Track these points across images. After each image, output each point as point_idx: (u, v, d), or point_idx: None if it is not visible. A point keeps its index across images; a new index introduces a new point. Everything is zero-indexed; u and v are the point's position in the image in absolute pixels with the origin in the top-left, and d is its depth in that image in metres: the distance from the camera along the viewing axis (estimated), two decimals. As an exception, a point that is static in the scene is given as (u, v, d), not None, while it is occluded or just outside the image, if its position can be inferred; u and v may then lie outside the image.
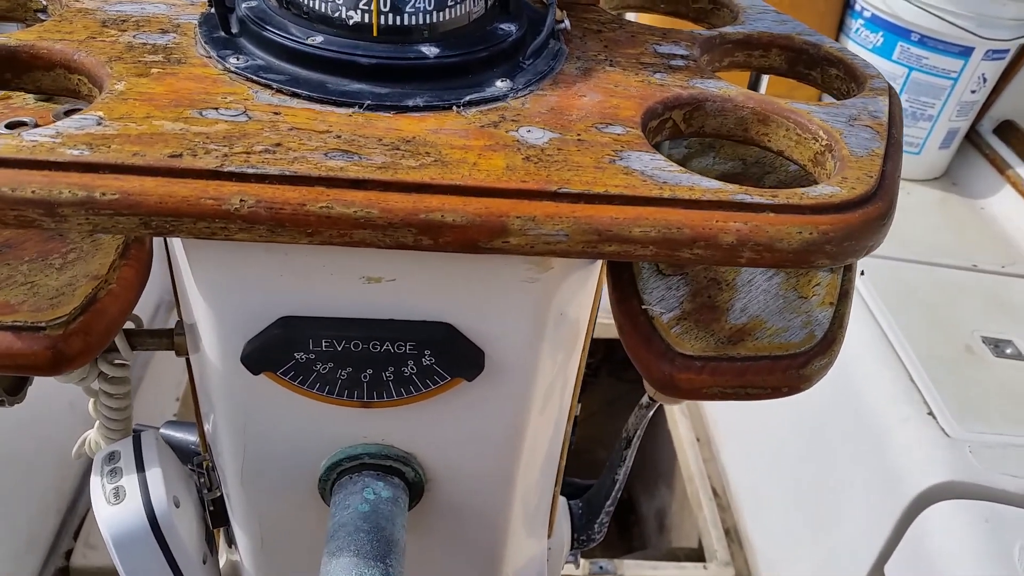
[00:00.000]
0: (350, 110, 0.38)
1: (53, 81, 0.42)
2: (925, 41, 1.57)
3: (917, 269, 1.47)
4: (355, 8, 0.39)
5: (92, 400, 0.60)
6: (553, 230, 0.35)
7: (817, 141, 0.41)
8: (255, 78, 0.39)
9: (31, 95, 0.49)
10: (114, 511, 0.54)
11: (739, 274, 0.47)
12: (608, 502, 0.78)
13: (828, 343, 0.43)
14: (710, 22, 0.55)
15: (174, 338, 0.56)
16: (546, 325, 0.44)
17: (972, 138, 1.80)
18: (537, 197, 0.35)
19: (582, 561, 1.47)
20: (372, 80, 0.39)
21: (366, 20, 0.39)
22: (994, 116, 1.79)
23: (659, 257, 0.36)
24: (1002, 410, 1.19)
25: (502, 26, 0.43)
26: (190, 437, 0.71)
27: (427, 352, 0.43)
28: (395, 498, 0.47)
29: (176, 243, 0.44)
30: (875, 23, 1.62)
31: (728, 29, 0.50)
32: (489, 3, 0.43)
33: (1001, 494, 1.07)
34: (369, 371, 0.43)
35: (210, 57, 0.41)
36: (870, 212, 0.36)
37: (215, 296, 0.42)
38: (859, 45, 1.66)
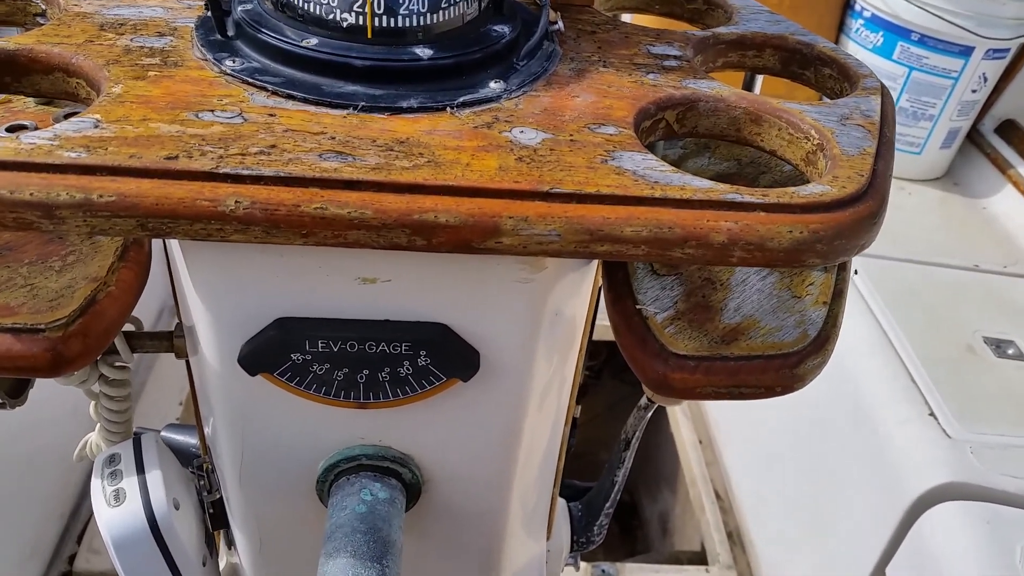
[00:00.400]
0: (344, 111, 0.39)
1: (52, 84, 0.42)
2: (925, 41, 1.57)
3: (918, 269, 1.46)
4: (349, 10, 0.40)
5: (93, 403, 0.61)
6: (545, 230, 0.35)
7: (809, 140, 0.41)
8: (251, 80, 0.40)
9: (31, 99, 0.50)
10: (114, 513, 0.55)
11: (733, 274, 0.47)
12: (607, 504, 0.78)
13: (821, 342, 0.43)
14: (705, 23, 0.55)
15: (174, 340, 0.56)
16: (541, 325, 0.45)
17: (973, 138, 1.80)
18: (529, 197, 0.35)
19: (584, 564, 1.47)
20: (366, 82, 0.40)
21: (360, 22, 0.40)
22: (995, 115, 1.79)
23: (651, 257, 0.36)
24: (1004, 411, 1.19)
25: (496, 27, 0.43)
26: (190, 440, 0.72)
27: (423, 352, 0.43)
28: (392, 499, 0.47)
29: (174, 245, 0.44)
30: (875, 23, 1.62)
31: (722, 29, 0.50)
32: (483, 5, 0.43)
33: (1003, 495, 1.07)
34: (365, 372, 0.44)
35: (206, 60, 0.41)
36: (861, 211, 0.36)
37: (212, 298, 0.43)
38: (859, 45, 1.66)
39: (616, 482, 0.76)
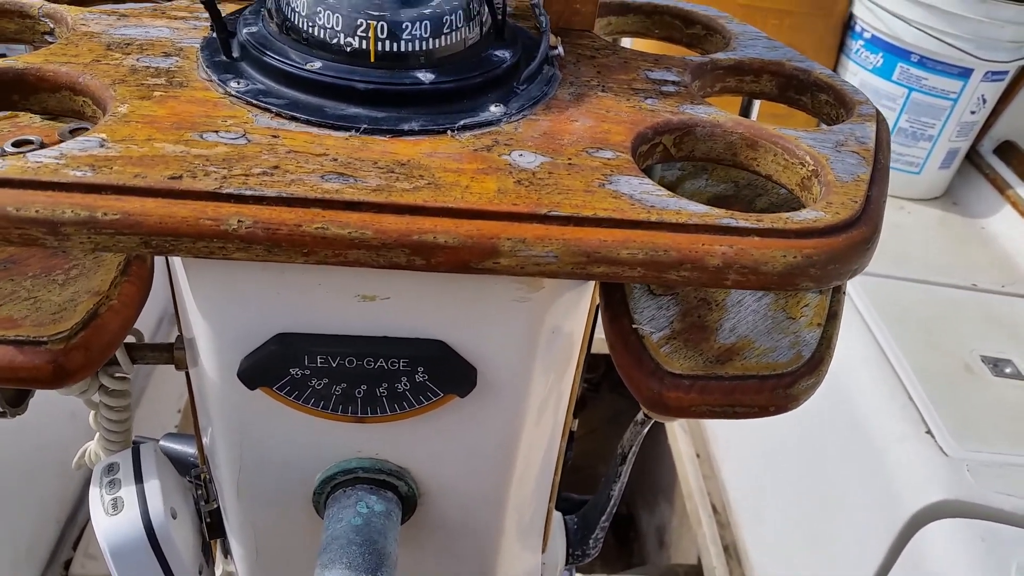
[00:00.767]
0: (347, 134, 0.39)
1: (59, 103, 0.43)
2: (924, 62, 1.58)
3: (916, 288, 1.47)
4: (353, 35, 0.40)
5: (93, 412, 0.61)
6: (543, 252, 0.36)
7: (804, 166, 0.42)
8: (255, 102, 0.40)
9: (37, 114, 0.51)
10: (112, 522, 0.55)
11: (729, 295, 0.48)
12: (603, 518, 0.78)
13: (815, 363, 0.44)
14: (703, 48, 0.56)
15: (174, 352, 0.57)
16: (538, 343, 0.45)
17: (972, 158, 1.81)
18: (527, 220, 0.36)
19: (581, 577, 1.47)
20: (369, 105, 0.40)
21: (363, 46, 0.41)
22: (994, 136, 1.80)
23: (647, 279, 0.37)
24: (1000, 429, 1.19)
25: (497, 52, 0.44)
26: (189, 449, 0.72)
27: (420, 369, 0.44)
28: (388, 512, 0.48)
29: (176, 260, 0.45)
30: (875, 44, 1.63)
31: (720, 55, 0.51)
32: (484, 30, 0.44)
33: (999, 513, 1.07)
34: (363, 387, 0.44)
35: (211, 81, 0.42)
36: (854, 236, 0.37)
37: (213, 312, 0.43)
38: (859, 65, 1.67)
39: (612, 496, 0.76)
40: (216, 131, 0.38)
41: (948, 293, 1.47)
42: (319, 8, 0.41)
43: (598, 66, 0.48)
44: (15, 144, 0.50)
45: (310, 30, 0.41)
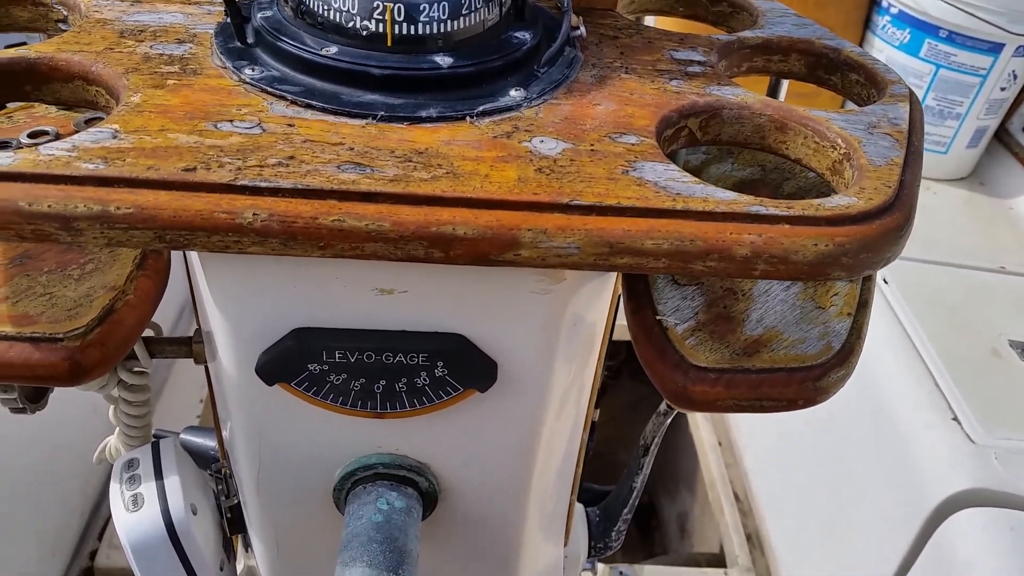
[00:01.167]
0: (364, 121, 0.38)
1: (72, 93, 0.42)
2: (953, 37, 1.55)
3: (943, 271, 1.44)
4: (369, 18, 0.39)
5: (112, 407, 0.61)
6: (564, 243, 0.34)
7: (835, 149, 0.40)
8: (270, 89, 0.39)
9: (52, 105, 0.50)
10: (132, 518, 0.55)
11: (755, 284, 0.46)
12: (626, 510, 0.77)
13: (845, 355, 0.42)
14: (729, 26, 0.54)
15: (192, 346, 0.56)
16: (559, 335, 0.44)
17: (1001, 137, 1.77)
18: (548, 209, 0.35)
19: (602, 566, 1.47)
20: (386, 91, 0.39)
21: (380, 30, 0.39)
22: (1024, 114, 1.76)
23: (672, 269, 0.35)
24: (1029, 415, 1.17)
25: (517, 34, 0.43)
26: (209, 443, 0.72)
27: (439, 363, 0.43)
28: (408, 508, 0.47)
29: (192, 254, 0.44)
30: (902, 20, 1.60)
31: (747, 33, 0.49)
32: (504, 10, 0.43)
33: (1027, 502, 1.06)
34: (382, 382, 0.43)
35: (226, 68, 0.41)
36: (888, 223, 0.36)
37: (230, 307, 0.43)
38: (886, 42, 1.64)
39: (635, 488, 0.76)
40: (231, 120, 0.38)
41: (975, 276, 1.45)
42: None
43: (621, 47, 0.47)
44: (30, 135, 0.49)
45: (325, 13, 0.40)
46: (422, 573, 0.46)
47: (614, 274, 0.48)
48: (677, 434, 1.90)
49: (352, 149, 0.36)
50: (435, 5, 0.39)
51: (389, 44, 0.40)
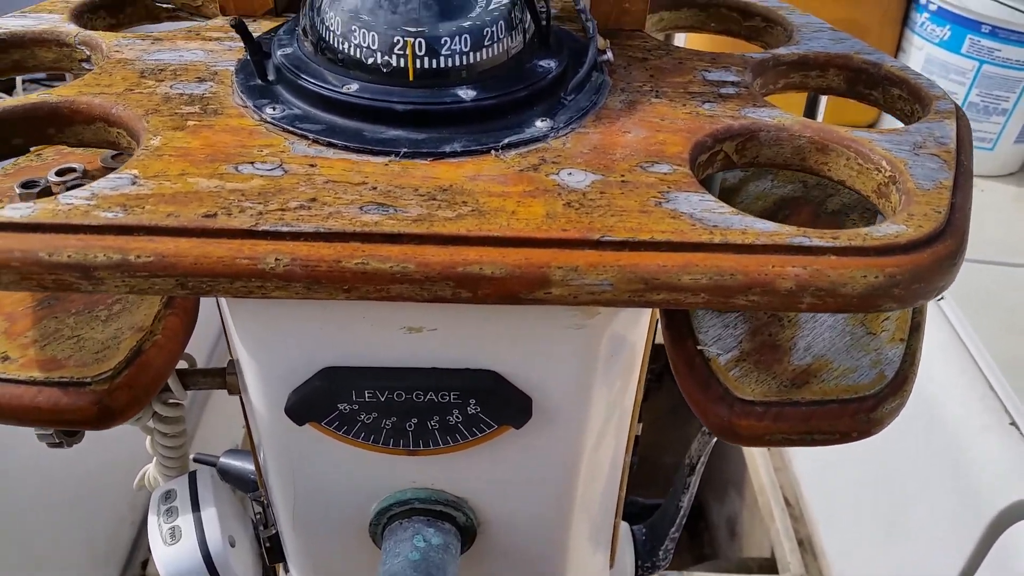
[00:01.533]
0: (387, 159, 0.37)
1: (94, 134, 0.42)
2: (996, 32, 1.50)
3: (994, 270, 1.40)
4: (390, 53, 0.38)
5: (149, 437, 0.61)
6: (597, 279, 0.33)
7: (880, 172, 0.38)
8: (291, 128, 0.39)
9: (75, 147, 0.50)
10: (170, 551, 0.55)
11: None
12: (673, 528, 0.75)
13: (899, 383, 0.40)
14: (763, 40, 0.52)
15: (227, 377, 0.56)
16: (596, 368, 0.43)
17: (1051, 130, 1.72)
18: (579, 246, 0.33)
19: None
20: (409, 126, 0.38)
21: (401, 64, 0.38)
22: (1074, 106, 1.70)
23: (712, 304, 0.34)
24: (1091, 419, 1.12)
25: (542, 62, 0.41)
26: (250, 466, 0.71)
27: (472, 401, 0.42)
28: (446, 545, 0.46)
29: None
30: (941, 16, 1.55)
31: (782, 50, 0.47)
32: (528, 37, 0.42)
33: (1094, 512, 1.02)
34: (414, 420, 0.42)
35: (246, 107, 0.40)
36: (939, 251, 0.34)
37: (257, 348, 0.42)
38: (925, 39, 1.60)
39: (681, 507, 0.74)
40: (252, 162, 0.37)
41: (1028, 275, 1.40)
42: (354, 26, 0.39)
43: (651, 69, 0.45)
44: (58, 172, 0.49)
45: (345, 49, 0.39)
46: None
47: None
48: (724, 438, 1.87)
49: (375, 188, 0.35)
50: (457, 38, 0.38)
51: (411, 79, 0.38)
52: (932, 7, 1.56)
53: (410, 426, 0.43)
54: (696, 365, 0.42)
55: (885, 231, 0.34)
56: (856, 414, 0.39)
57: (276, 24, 0.48)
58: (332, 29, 0.39)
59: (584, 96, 0.41)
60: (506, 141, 0.38)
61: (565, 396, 0.43)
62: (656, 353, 0.58)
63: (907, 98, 0.45)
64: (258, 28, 0.48)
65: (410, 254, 0.33)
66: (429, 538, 0.46)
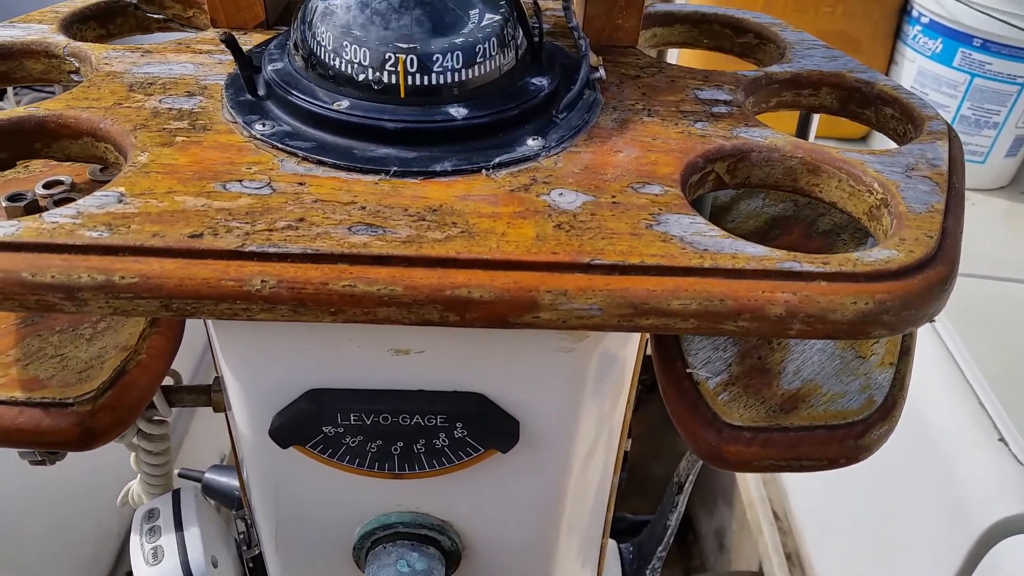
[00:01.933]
0: (376, 177, 0.37)
1: (81, 149, 0.41)
2: (988, 46, 1.51)
3: (983, 284, 1.40)
4: (382, 69, 0.38)
5: (133, 454, 0.60)
6: (586, 304, 0.33)
7: (872, 194, 0.38)
8: (280, 146, 0.38)
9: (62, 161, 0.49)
10: (152, 572, 0.54)
11: None
12: (660, 547, 0.75)
13: (888, 408, 0.40)
14: (756, 58, 0.52)
15: (212, 395, 0.55)
16: (585, 390, 0.42)
17: (1040, 145, 1.72)
18: (568, 270, 0.33)
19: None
20: (399, 144, 0.38)
21: (393, 81, 0.38)
22: (1064, 121, 1.71)
23: (701, 330, 0.33)
24: (1080, 436, 1.12)
25: (534, 80, 0.41)
26: (235, 482, 0.71)
27: (459, 424, 0.41)
28: (430, 570, 0.45)
29: None
30: (934, 29, 1.56)
31: (775, 68, 0.47)
32: (520, 54, 0.41)
33: (1082, 528, 1.02)
34: (400, 444, 0.42)
35: (236, 123, 0.40)
36: (931, 277, 0.34)
37: (242, 368, 0.41)
38: (917, 52, 1.60)
39: (669, 526, 0.73)
40: (240, 180, 0.36)
41: (1017, 289, 1.40)
42: (345, 41, 0.38)
43: (643, 87, 0.45)
44: (45, 185, 0.48)
45: (336, 65, 0.39)
46: None
47: None
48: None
49: (364, 208, 0.35)
50: (449, 55, 0.38)
51: (403, 95, 0.38)
52: (924, 20, 1.57)
53: (396, 449, 0.42)
54: (685, 389, 0.41)
55: (875, 256, 0.33)
56: (844, 440, 0.39)
57: (267, 37, 0.47)
58: (323, 44, 0.39)
59: (576, 114, 0.41)
60: (497, 160, 0.38)
61: (553, 419, 0.43)
62: (647, 363, 0.57)
63: (900, 118, 0.45)
64: (249, 41, 0.47)
65: (398, 276, 0.32)
66: (413, 563, 0.45)
